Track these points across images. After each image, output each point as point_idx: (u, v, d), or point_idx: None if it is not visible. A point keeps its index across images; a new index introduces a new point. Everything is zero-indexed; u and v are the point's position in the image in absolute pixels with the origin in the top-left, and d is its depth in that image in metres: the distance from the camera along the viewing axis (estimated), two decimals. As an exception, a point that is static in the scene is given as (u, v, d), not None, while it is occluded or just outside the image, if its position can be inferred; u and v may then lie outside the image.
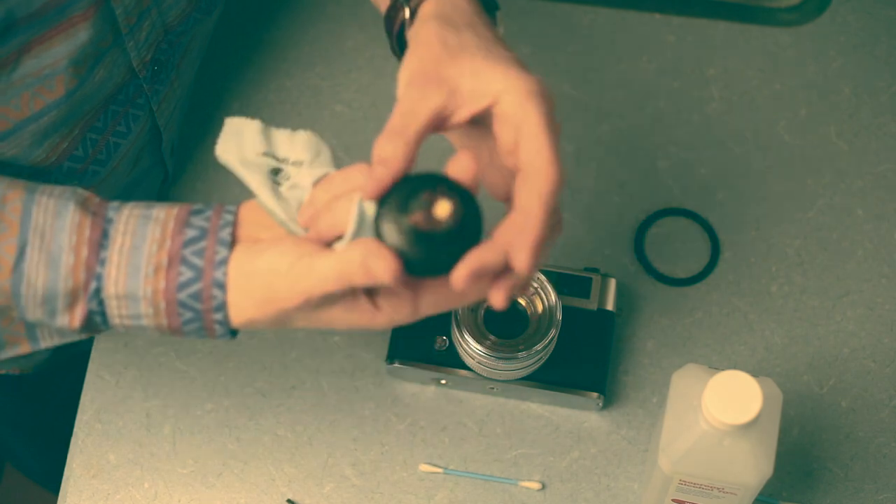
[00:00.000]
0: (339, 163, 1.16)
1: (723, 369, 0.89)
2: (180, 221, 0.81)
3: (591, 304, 1.07)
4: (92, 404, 1.08)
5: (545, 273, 1.04)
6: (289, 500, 1.06)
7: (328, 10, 1.23)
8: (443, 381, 1.07)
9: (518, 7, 1.22)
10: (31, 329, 0.86)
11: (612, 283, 1.08)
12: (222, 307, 0.80)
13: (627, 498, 1.05)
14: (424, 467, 1.06)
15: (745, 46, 1.21)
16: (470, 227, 0.77)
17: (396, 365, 1.06)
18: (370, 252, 0.76)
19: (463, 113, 0.81)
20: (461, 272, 0.76)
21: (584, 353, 1.06)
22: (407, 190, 0.77)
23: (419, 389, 1.09)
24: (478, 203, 0.78)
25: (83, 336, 0.85)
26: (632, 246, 1.13)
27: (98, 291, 0.81)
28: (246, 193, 1.16)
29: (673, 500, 0.96)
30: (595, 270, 1.08)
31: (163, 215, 0.81)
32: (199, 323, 0.81)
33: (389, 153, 0.78)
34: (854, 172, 1.16)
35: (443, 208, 0.76)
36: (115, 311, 0.81)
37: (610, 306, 1.07)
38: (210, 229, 0.80)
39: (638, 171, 1.16)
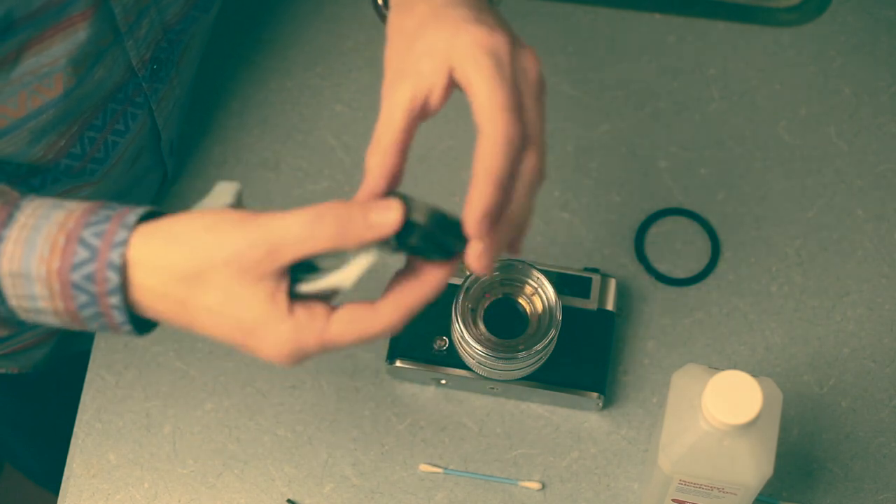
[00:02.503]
0: (339, 163, 1.17)
1: (723, 369, 0.89)
2: (90, 209, 0.78)
3: (591, 304, 1.07)
4: (92, 404, 1.08)
5: (545, 273, 1.04)
6: (289, 500, 1.06)
7: (328, 10, 1.23)
8: (443, 382, 1.07)
9: (518, 7, 1.22)
10: None
11: (612, 283, 1.08)
12: (117, 291, 0.76)
13: (627, 498, 1.05)
14: (424, 467, 1.06)
15: (745, 46, 1.21)
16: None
17: (396, 365, 1.06)
18: (374, 202, 0.74)
19: (437, 93, 0.78)
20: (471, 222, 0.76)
21: (584, 353, 1.06)
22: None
23: (419, 389, 1.09)
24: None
25: None
26: (632, 246, 1.13)
27: None
28: (246, 193, 1.16)
29: (673, 500, 0.96)
30: (595, 270, 1.08)
31: (74, 205, 0.78)
32: (95, 308, 0.77)
33: (373, 164, 0.78)
34: (854, 172, 1.16)
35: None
36: (10, 290, 0.78)
37: (610, 306, 1.07)
38: (115, 216, 0.77)
39: (638, 171, 1.16)
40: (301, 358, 0.76)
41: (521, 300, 1.04)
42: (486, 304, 1.04)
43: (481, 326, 1.03)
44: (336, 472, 1.06)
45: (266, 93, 1.19)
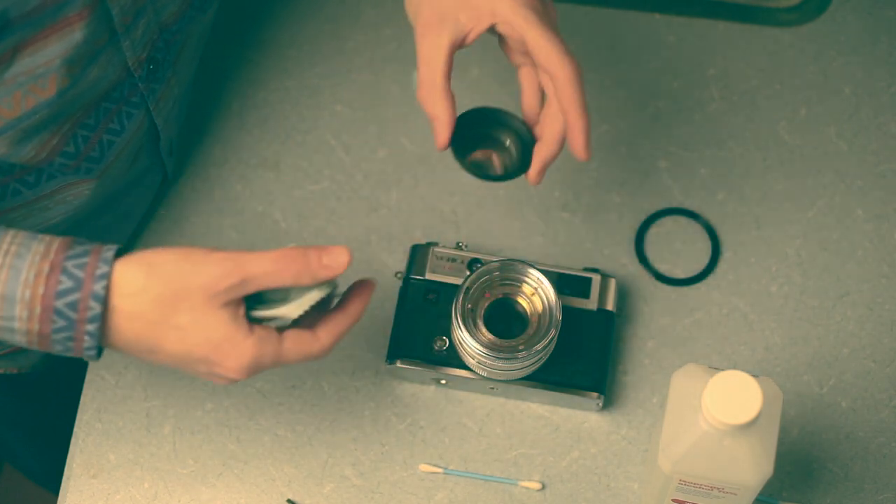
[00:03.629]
0: (339, 163, 1.17)
1: (723, 369, 0.89)
2: (65, 243, 0.85)
3: (591, 304, 1.07)
4: (92, 404, 1.08)
5: (545, 273, 1.04)
6: (289, 500, 1.06)
7: (328, 10, 1.23)
8: (443, 382, 1.07)
9: (518, 7, 1.22)
10: None
11: (612, 284, 1.08)
12: (97, 319, 0.84)
13: (627, 498, 1.05)
14: (424, 467, 1.06)
15: (746, 46, 1.21)
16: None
17: (397, 365, 1.06)
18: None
19: (472, 35, 0.95)
20: (535, 169, 0.97)
21: (584, 353, 1.06)
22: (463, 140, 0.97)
23: (419, 389, 1.09)
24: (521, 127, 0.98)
25: None
26: (632, 246, 1.13)
27: None
28: (246, 193, 1.16)
29: (673, 500, 0.96)
30: (595, 270, 1.08)
31: (49, 238, 0.86)
32: (69, 332, 0.85)
33: (437, 110, 0.94)
34: (854, 172, 1.16)
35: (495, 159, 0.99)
36: None
37: (610, 306, 1.07)
38: (93, 250, 0.85)
39: (638, 171, 1.16)
40: (255, 371, 0.87)
41: (520, 300, 1.04)
42: (486, 305, 1.04)
43: (481, 326, 1.03)
44: (336, 472, 1.06)
45: (266, 93, 1.19)
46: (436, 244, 1.09)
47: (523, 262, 1.04)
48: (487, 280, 1.04)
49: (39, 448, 1.46)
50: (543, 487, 1.06)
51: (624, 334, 1.10)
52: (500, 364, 1.02)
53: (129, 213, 1.12)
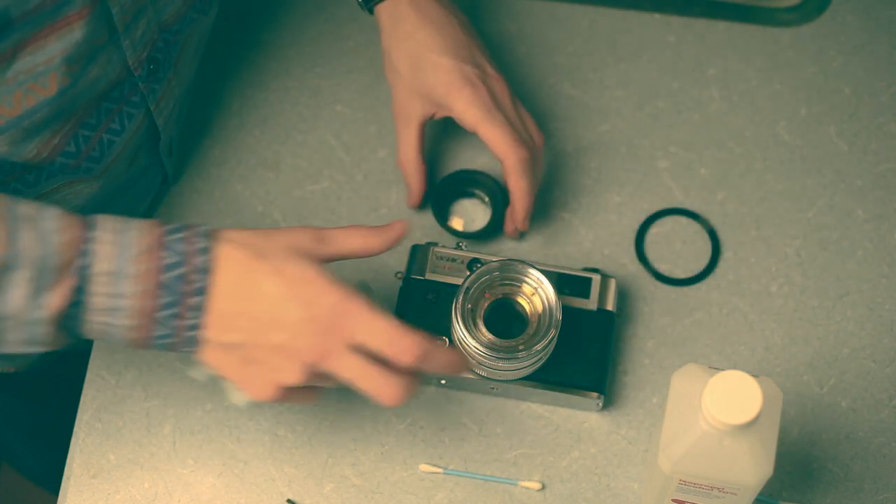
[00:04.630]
0: (338, 163, 1.17)
1: (723, 369, 0.89)
2: (156, 221, 0.88)
3: (591, 305, 1.07)
4: (92, 404, 1.08)
5: (545, 273, 1.04)
6: (289, 500, 1.06)
7: (328, 10, 1.23)
8: (443, 382, 1.07)
9: (518, 7, 1.22)
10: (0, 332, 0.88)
11: (613, 284, 1.08)
12: (202, 291, 0.86)
13: (627, 498, 1.05)
14: (424, 467, 1.06)
15: (745, 46, 1.21)
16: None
17: None
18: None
19: (438, 116, 1.10)
20: (508, 227, 1.12)
21: (584, 353, 1.06)
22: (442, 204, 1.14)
23: (419, 389, 1.09)
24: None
25: (49, 342, 0.86)
26: (632, 246, 1.13)
27: (85, 268, 0.84)
28: (246, 193, 1.16)
29: (673, 500, 0.96)
30: (595, 270, 1.08)
31: (137, 219, 0.88)
32: (175, 309, 0.86)
33: (410, 180, 1.12)
34: (854, 172, 1.16)
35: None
36: (100, 287, 0.85)
37: (610, 306, 1.07)
38: (187, 226, 0.88)
39: (638, 171, 1.16)
40: (339, 321, 0.86)
41: (520, 300, 1.04)
42: (485, 305, 1.04)
43: (481, 327, 1.03)
44: (336, 472, 1.06)
45: (266, 93, 1.19)
46: (436, 244, 1.09)
47: (523, 262, 1.04)
48: (487, 280, 1.04)
49: (39, 448, 1.46)
50: (543, 487, 1.06)
51: (624, 334, 1.10)
52: (500, 364, 1.02)
53: (129, 213, 1.12)
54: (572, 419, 1.08)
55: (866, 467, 1.06)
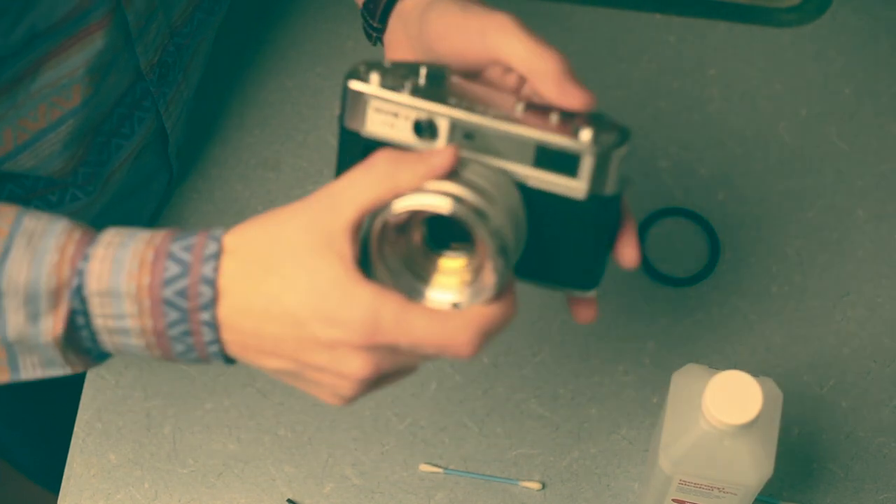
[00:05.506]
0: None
1: (723, 369, 0.89)
2: (172, 230, 0.78)
3: (579, 189, 0.76)
4: (92, 404, 1.08)
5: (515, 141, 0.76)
6: (289, 500, 1.06)
7: (328, 10, 1.23)
8: None
9: (518, 7, 1.22)
10: (12, 356, 0.79)
11: (616, 157, 0.75)
12: (210, 305, 0.75)
13: (627, 498, 1.05)
14: (424, 467, 1.06)
15: (746, 47, 1.21)
16: None
17: None
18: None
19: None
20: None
21: (570, 247, 0.79)
22: None
23: (419, 389, 1.09)
24: None
25: (67, 365, 0.79)
26: (632, 246, 1.13)
27: (80, 289, 0.76)
28: (246, 193, 1.16)
29: (673, 500, 0.96)
30: (598, 119, 0.76)
31: (153, 230, 0.78)
32: (185, 326, 0.76)
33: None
34: (855, 173, 1.16)
35: None
36: (98, 309, 0.76)
37: (609, 189, 0.76)
38: (200, 231, 0.77)
39: (638, 171, 1.16)
40: (376, 336, 0.72)
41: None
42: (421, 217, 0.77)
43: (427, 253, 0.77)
44: (336, 472, 1.06)
45: (266, 93, 1.19)
46: (373, 70, 0.81)
47: (479, 211, 0.74)
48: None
49: (39, 447, 1.46)
50: (543, 487, 1.06)
51: (624, 334, 1.10)
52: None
53: (136, 215, 1.12)
54: (572, 419, 1.08)
55: (866, 467, 1.06)
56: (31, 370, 0.80)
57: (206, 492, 1.06)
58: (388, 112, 0.76)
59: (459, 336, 0.73)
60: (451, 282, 0.75)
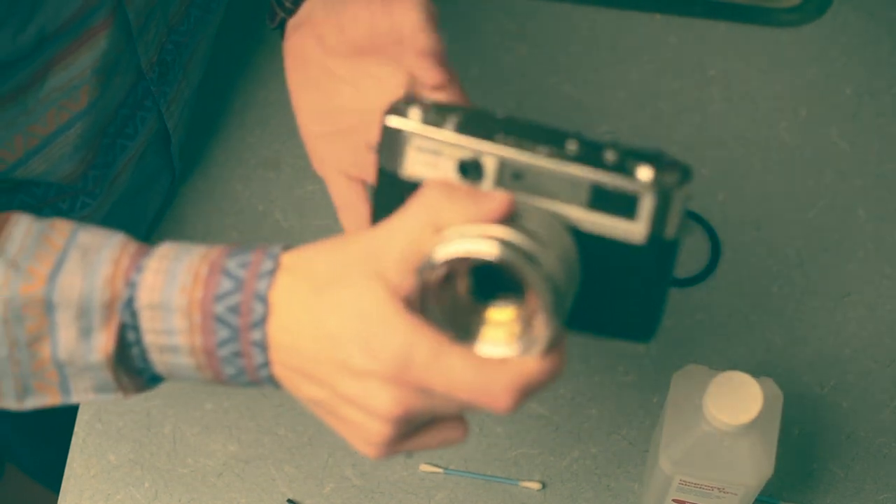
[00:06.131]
0: (339, 163, 1.16)
1: (723, 370, 0.89)
2: (227, 247, 0.75)
3: (638, 232, 0.72)
4: (92, 404, 1.08)
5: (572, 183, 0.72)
6: (289, 500, 1.06)
7: (329, 10, 1.23)
8: None
9: (518, 7, 1.22)
10: (63, 378, 0.77)
11: (679, 197, 0.70)
12: (261, 323, 0.72)
13: (627, 498, 1.05)
14: (424, 467, 1.06)
15: (746, 47, 1.21)
16: None
17: None
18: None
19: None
20: None
21: (626, 293, 0.75)
22: None
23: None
24: None
25: (119, 388, 0.76)
26: (632, 246, 1.13)
27: (131, 301, 0.73)
28: (246, 193, 1.16)
29: (673, 500, 0.96)
30: (656, 158, 0.70)
31: (210, 245, 0.76)
32: (235, 346, 0.72)
33: None
34: (855, 173, 1.16)
35: None
36: (148, 323, 0.73)
37: (670, 232, 0.72)
38: (258, 248, 0.74)
39: (638, 172, 1.16)
40: (404, 372, 0.69)
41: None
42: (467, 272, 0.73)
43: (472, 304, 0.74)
44: (336, 472, 1.06)
45: (266, 92, 1.19)
46: (410, 107, 0.77)
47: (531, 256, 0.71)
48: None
49: (40, 447, 1.46)
50: (543, 487, 1.06)
51: (624, 334, 1.10)
52: None
53: (140, 216, 1.12)
54: (572, 419, 1.08)
55: (867, 467, 1.06)
56: (82, 394, 0.77)
57: (206, 492, 1.06)
58: (429, 151, 0.72)
59: (497, 387, 0.68)
60: (499, 335, 0.70)
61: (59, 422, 1.21)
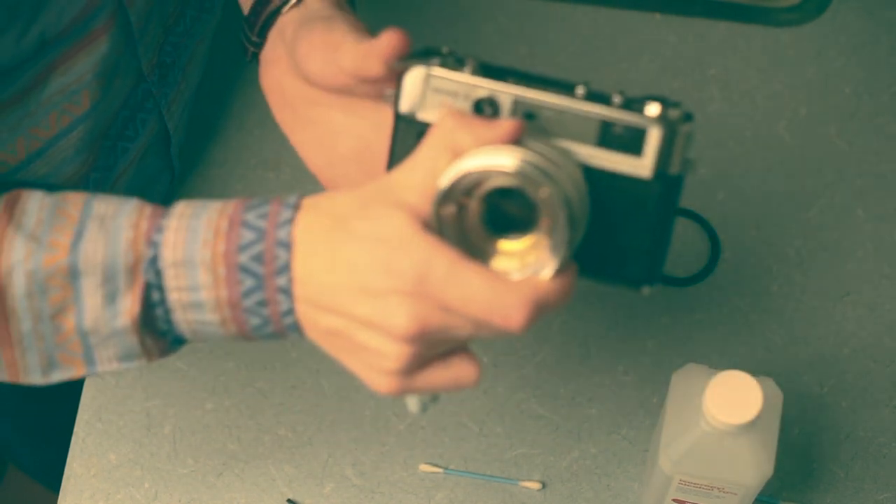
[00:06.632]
0: (339, 163, 1.17)
1: (723, 369, 0.89)
2: (242, 200, 0.77)
3: (644, 167, 0.74)
4: (92, 404, 1.08)
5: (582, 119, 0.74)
6: (289, 500, 1.06)
7: (328, 10, 1.22)
8: None
9: (518, 7, 1.22)
10: (87, 348, 0.78)
11: (683, 133, 0.74)
12: (285, 269, 0.73)
13: (627, 498, 1.05)
14: (424, 467, 1.06)
15: (746, 46, 1.21)
16: None
17: None
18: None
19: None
20: None
21: (629, 233, 0.76)
22: None
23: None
24: None
25: (144, 353, 0.78)
26: (632, 246, 1.13)
27: (155, 260, 0.75)
28: (246, 193, 1.16)
29: (673, 500, 0.96)
30: (662, 101, 0.74)
31: (224, 200, 0.78)
32: (260, 294, 0.74)
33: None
34: (854, 172, 1.16)
35: None
36: (172, 281, 0.75)
37: (674, 168, 0.74)
38: (274, 199, 0.76)
39: (638, 171, 1.16)
40: (427, 285, 0.70)
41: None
42: (484, 202, 0.75)
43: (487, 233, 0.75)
44: (336, 472, 1.06)
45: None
46: (435, 57, 0.79)
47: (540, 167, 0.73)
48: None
49: (40, 447, 1.46)
50: (543, 487, 1.06)
51: (624, 334, 1.10)
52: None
53: None
54: (572, 419, 1.08)
55: (866, 467, 1.06)
56: (106, 363, 0.79)
57: (206, 492, 1.06)
58: (447, 92, 0.75)
59: (512, 300, 0.70)
60: (512, 263, 0.72)
61: (59, 422, 1.21)
